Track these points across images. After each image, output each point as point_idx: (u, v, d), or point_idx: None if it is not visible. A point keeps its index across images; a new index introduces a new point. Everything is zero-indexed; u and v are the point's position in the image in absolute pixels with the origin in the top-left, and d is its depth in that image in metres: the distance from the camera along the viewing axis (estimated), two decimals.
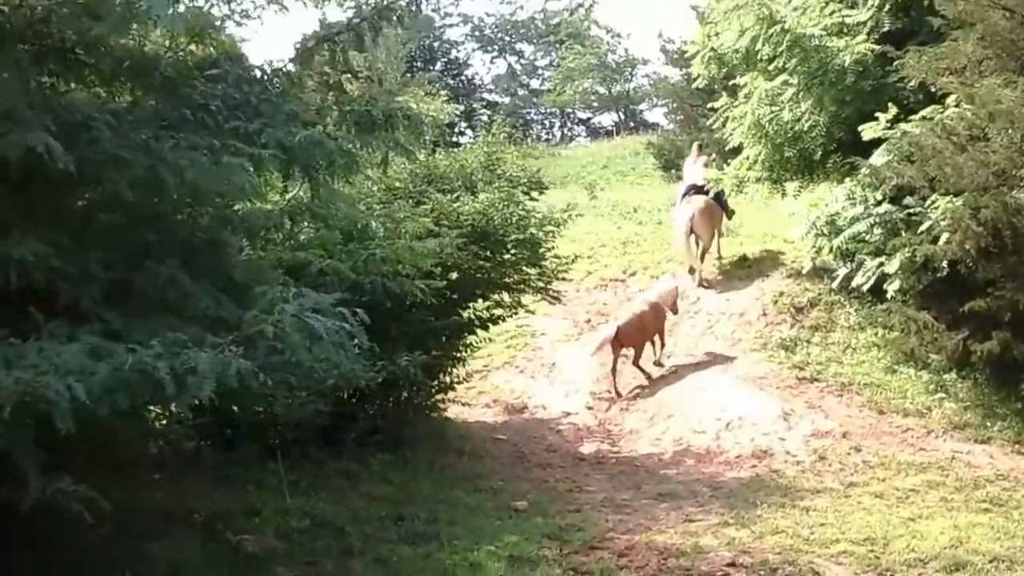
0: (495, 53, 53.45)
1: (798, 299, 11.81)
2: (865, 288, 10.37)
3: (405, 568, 5.80)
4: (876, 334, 10.73)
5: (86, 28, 4.66)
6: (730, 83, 13.62)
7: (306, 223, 6.62)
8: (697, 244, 12.95)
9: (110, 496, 4.23)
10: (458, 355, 9.34)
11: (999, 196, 8.41)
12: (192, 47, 5.26)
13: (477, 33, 52.54)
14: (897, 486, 7.65)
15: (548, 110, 50.30)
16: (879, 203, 10.33)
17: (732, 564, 5.88)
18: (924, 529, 6.44)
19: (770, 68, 12.19)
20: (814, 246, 11.40)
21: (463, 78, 50.43)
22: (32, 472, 3.87)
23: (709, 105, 14.87)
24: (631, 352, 10.99)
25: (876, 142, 10.44)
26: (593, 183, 25.25)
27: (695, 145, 15.22)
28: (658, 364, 11.21)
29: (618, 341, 10.82)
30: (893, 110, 10.33)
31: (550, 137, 47.55)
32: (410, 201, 8.97)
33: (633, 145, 33.86)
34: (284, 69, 5.63)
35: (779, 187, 13.33)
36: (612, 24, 63.29)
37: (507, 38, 53.25)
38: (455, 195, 9.43)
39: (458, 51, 51.58)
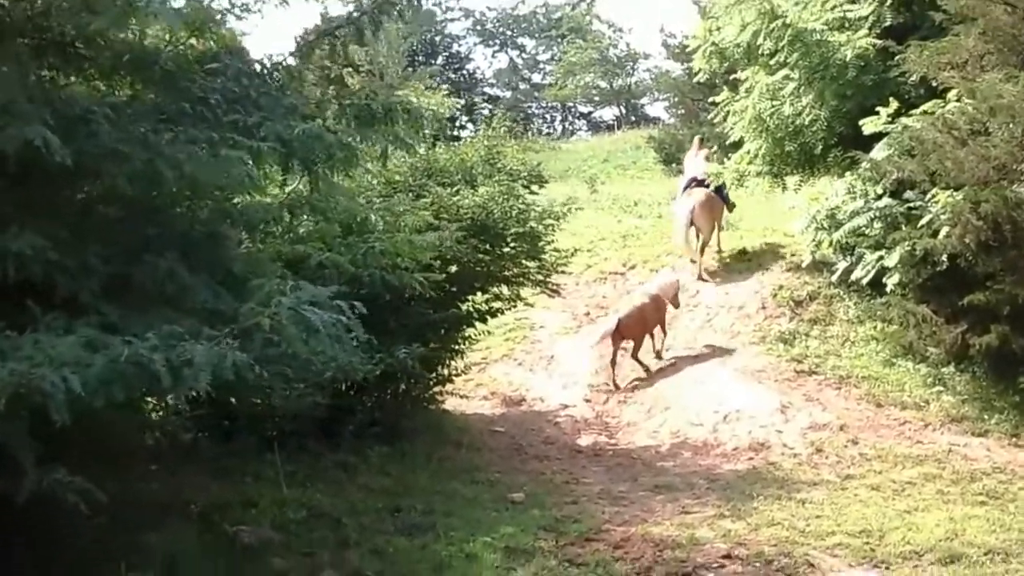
0: (497, 47, 53.52)
1: (797, 292, 11.82)
2: (864, 282, 10.40)
3: (401, 559, 5.82)
4: (875, 327, 10.74)
5: (85, 22, 4.67)
6: (731, 77, 13.61)
7: (305, 216, 6.63)
8: (697, 237, 12.97)
9: (107, 488, 4.23)
10: (456, 348, 9.36)
11: (999, 190, 8.43)
12: (192, 41, 5.28)
13: (479, 27, 52.59)
14: (894, 479, 7.67)
15: (549, 104, 50.29)
16: (879, 197, 10.34)
17: (728, 556, 5.90)
18: (920, 521, 6.45)
19: (771, 63, 12.17)
20: (814, 240, 11.42)
21: (464, 72, 50.44)
22: (28, 463, 3.88)
23: (710, 99, 14.84)
24: (630, 345, 11.01)
25: (877, 136, 10.44)
26: (594, 177, 25.21)
27: (696, 138, 15.21)
28: (658, 356, 11.22)
29: (619, 333, 10.84)
30: (894, 104, 10.32)
31: (551, 131, 47.57)
32: (410, 194, 8.98)
33: (634, 139, 33.88)
34: (284, 63, 5.66)
35: (779, 181, 13.33)
36: (614, 18, 63.57)
37: (509, 32, 53.28)
38: (455, 189, 9.44)
39: (460, 45, 51.66)
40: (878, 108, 10.57)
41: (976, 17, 9.18)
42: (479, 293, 9.45)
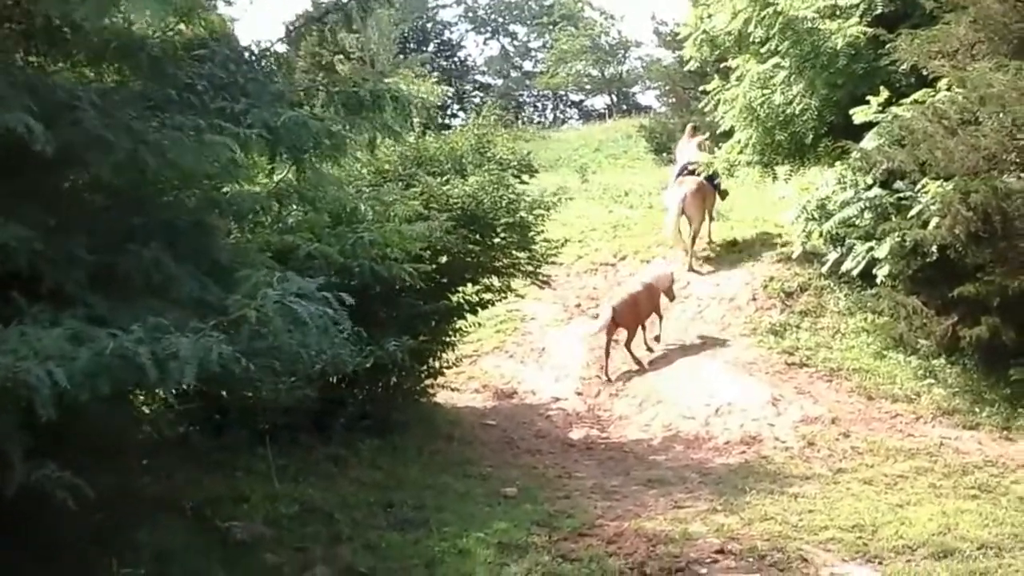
0: (488, 35, 53.36)
1: (788, 284, 11.81)
2: (855, 273, 10.38)
3: (394, 554, 5.78)
4: (865, 319, 10.73)
5: (69, 10, 4.59)
6: (722, 66, 13.57)
7: (294, 206, 6.59)
8: (689, 225, 12.93)
9: (98, 483, 4.19)
10: (447, 340, 9.30)
11: (989, 180, 8.41)
12: (181, 27, 5.20)
13: (470, 14, 52.46)
14: (886, 472, 7.64)
15: (541, 92, 50.22)
16: (869, 187, 10.33)
17: (721, 551, 5.88)
18: (912, 515, 6.44)
19: (762, 51, 12.16)
20: (804, 230, 11.40)
21: (456, 60, 50.34)
22: (16, 458, 3.82)
23: (701, 88, 14.82)
24: (623, 335, 10.96)
25: (867, 126, 10.43)
26: (585, 166, 25.22)
27: (689, 126, 15.18)
28: (650, 349, 11.16)
29: (613, 322, 10.79)
30: (885, 93, 10.31)
31: (543, 119, 47.53)
32: (399, 184, 8.90)
33: (625, 128, 33.87)
34: (272, 50, 5.59)
35: (770, 171, 13.33)
36: (605, 6, 63.31)
37: (500, 19, 53.18)
38: (445, 178, 9.37)
39: (451, 32, 51.51)
40: (869, 97, 10.56)
41: (967, 5, 9.15)
42: (469, 284, 9.40)
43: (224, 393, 6.25)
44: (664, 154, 24.53)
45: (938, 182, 9.05)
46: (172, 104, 4.69)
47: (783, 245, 12.71)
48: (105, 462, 5.25)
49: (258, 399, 6.34)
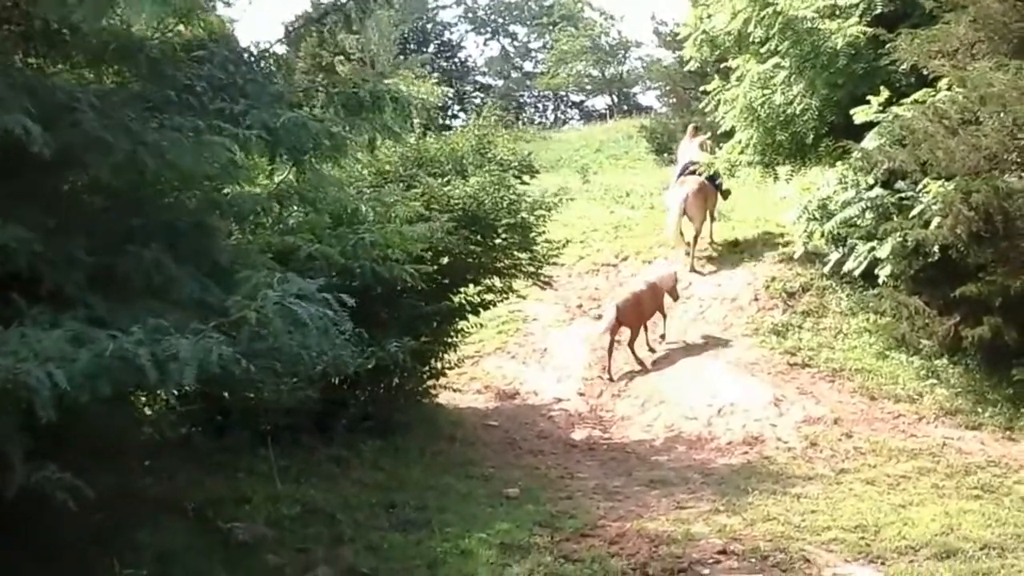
0: (488, 35, 53.33)
1: (790, 284, 11.79)
2: (857, 273, 10.37)
3: (396, 555, 5.77)
4: (867, 319, 10.71)
5: (68, 12, 4.59)
6: (722, 66, 13.56)
7: (295, 207, 6.57)
8: (691, 225, 12.92)
9: (100, 484, 4.18)
10: (449, 340, 9.29)
11: (990, 180, 8.40)
12: (180, 28, 5.20)
13: (470, 15, 52.43)
14: (888, 472, 7.63)
15: (541, 93, 50.20)
16: (871, 187, 10.33)
17: (723, 551, 5.87)
18: (915, 516, 6.42)
19: (762, 51, 12.15)
20: (806, 230, 11.40)
21: (456, 60, 50.30)
22: (16, 459, 3.82)
23: (702, 88, 14.81)
24: (626, 334, 10.95)
25: (868, 125, 10.42)
26: (586, 167, 25.22)
27: (691, 127, 15.18)
28: (651, 350, 11.15)
29: (617, 321, 10.78)
30: (885, 93, 10.30)
31: (543, 120, 47.50)
32: (400, 185, 8.89)
33: (626, 128, 33.85)
34: (272, 50, 5.58)
35: (771, 171, 13.33)
36: (605, 6, 63.28)
37: (500, 20, 53.15)
38: (446, 179, 9.36)
39: (451, 33, 51.49)
40: (869, 97, 10.56)
41: (967, 5, 9.15)
42: (471, 285, 9.38)
43: (226, 394, 6.25)
44: (665, 154, 24.51)
45: (939, 182, 9.03)
46: (171, 105, 4.68)
47: (785, 245, 12.70)
48: (106, 463, 5.24)
49: (260, 400, 6.33)
